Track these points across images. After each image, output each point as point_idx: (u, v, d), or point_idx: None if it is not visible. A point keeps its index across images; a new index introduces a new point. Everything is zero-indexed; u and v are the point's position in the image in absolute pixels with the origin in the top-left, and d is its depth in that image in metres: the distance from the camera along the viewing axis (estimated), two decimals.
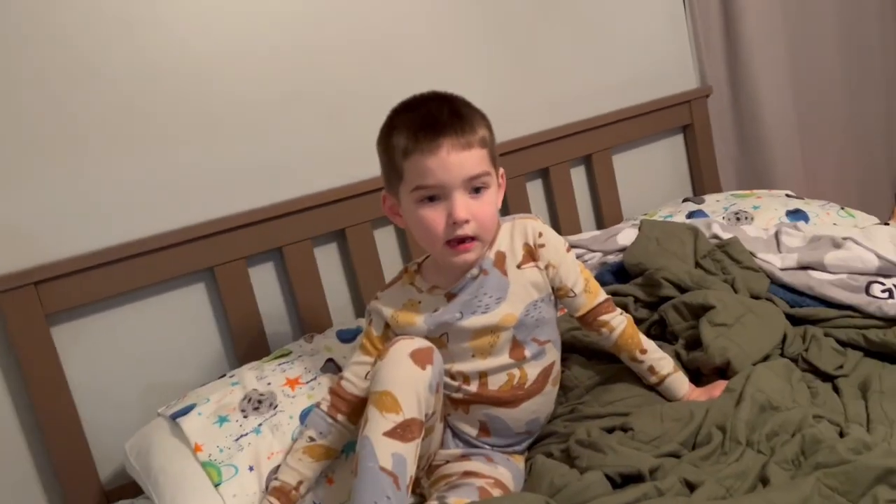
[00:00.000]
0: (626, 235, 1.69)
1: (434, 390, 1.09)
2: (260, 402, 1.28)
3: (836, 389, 1.24)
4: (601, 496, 0.98)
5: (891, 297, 1.32)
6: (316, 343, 1.48)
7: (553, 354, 1.27)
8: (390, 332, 1.24)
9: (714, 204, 1.94)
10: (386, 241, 1.79)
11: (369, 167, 1.71)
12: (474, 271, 1.22)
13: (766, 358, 1.27)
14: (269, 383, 1.33)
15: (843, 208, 1.85)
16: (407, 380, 1.05)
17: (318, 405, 1.23)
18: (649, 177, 2.25)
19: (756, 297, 1.41)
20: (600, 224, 2.11)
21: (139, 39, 1.50)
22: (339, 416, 1.20)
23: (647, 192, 2.23)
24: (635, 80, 2.18)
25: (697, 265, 1.50)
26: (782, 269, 1.45)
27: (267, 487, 1.18)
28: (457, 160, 1.13)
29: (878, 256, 1.39)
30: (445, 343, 1.21)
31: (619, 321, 1.27)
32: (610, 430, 1.16)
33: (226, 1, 1.58)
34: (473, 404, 1.23)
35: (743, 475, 1.00)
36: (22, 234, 1.41)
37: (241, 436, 1.23)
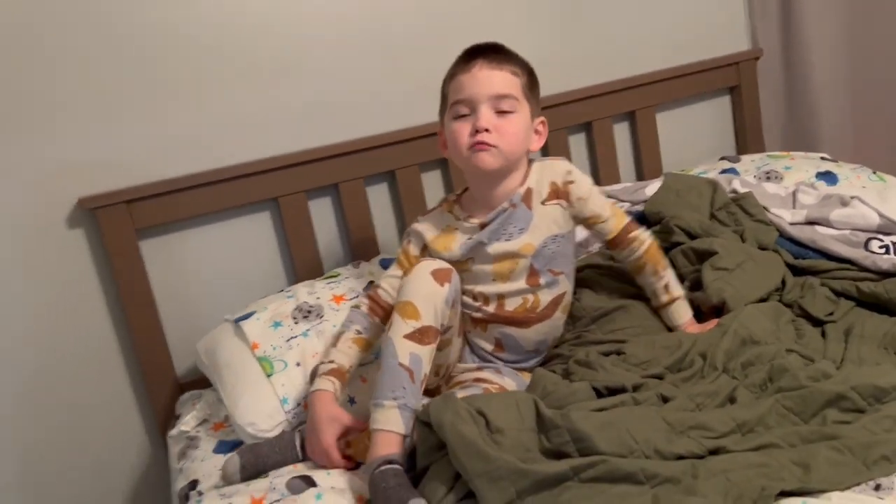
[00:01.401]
0: (654, 188, 1.81)
1: (450, 305, 1.26)
2: (309, 311, 1.49)
3: (824, 334, 1.35)
4: (584, 401, 1.15)
5: (887, 252, 1.41)
6: (362, 268, 1.68)
7: (565, 286, 1.42)
8: (427, 252, 1.41)
9: (749, 163, 2.02)
10: (432, 183, 1.96)
11: (420, 114, 1.90)
12: (505, 204, 1.37)
13: (760, 301, 1.39)
14: (318, 297, 1.54)
15: (874, 172, 1.90)
16: (427, 293, 1.23)
17: (357, 307, 1.40)
18: (694, 135, 2.33)
19: (763, 248, 1.52)
20: (640, 179, 2.21)
21: (220, 2, 1.70)
22: (376, 319, 1.36)
23: (691, 151, 2.31)
24: (686, 39, 2.24)
25: (713, 217, 1.61)
26: (791, 224, 1.55)
27: (313, 376, 1.37)
28: (485, 76, 1.30)
29: (880, 215, 1.47)
30: (471, 266, 1.38)
31: (646, 235, 1.43)
32: (607, 354, 1.32)
33: None
34: (490, 323, 1.40)
35: (714, 394, 1.15)
36: (118, 160, 1.65)
37: (292, 337, 1.45)
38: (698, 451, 1.04)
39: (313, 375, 1.37)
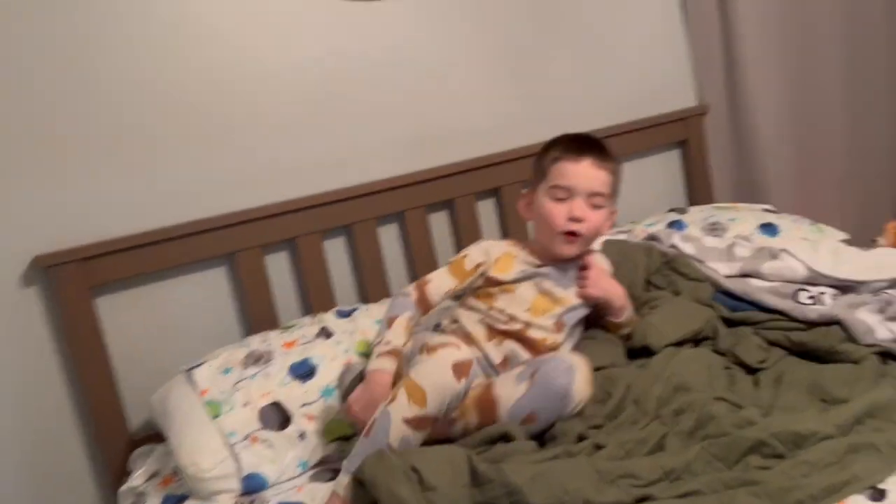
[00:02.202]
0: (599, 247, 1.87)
1: (461, 398, 1.27)
2: (259, 357, 1.54)
3: (757, 381, 1.40)
4: (521, 452, 1.18)
5: (815, 303, 1.47)
6: (317, 318, 1.71)
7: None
8: (478, 270, 1.55)
9: (696, 214, 2.09)
10: (389, 237, 2.00)
11: (375, 172, 1.96)
12: (573, 262, 1.56)
13: (683, 341, 1.48)
14: (269, 344, 1.58)
15: (813, 223, 1.98)
16: (441, 385, 1.22)
17: (405, 295, 1.53)
18: (647, 188, 2.41)
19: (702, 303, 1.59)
20: None
21: (183, 62, 1.76)
22: (419, 311, 1.52)
23: (644, 203, 2.38)
24: (635, 97, 2.35)
25: (648, 282, 1.70)
26: (727, 277, 1.61)
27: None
28: (592, 173, 1.49)
29: (807, 267, 1.54)
30: (515, 289, 1.50)
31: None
32: None
33: (258, 30, 1.83)
34: (509, 339, 1.47)
35: (643, 441, 1.18)
36: (74, 218, 1.68)
37: (239, 380, 1.48)
38: (626, 500, 1.07)
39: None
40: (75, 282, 1.64)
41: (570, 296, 1.52)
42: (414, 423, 1.20)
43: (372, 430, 1.21)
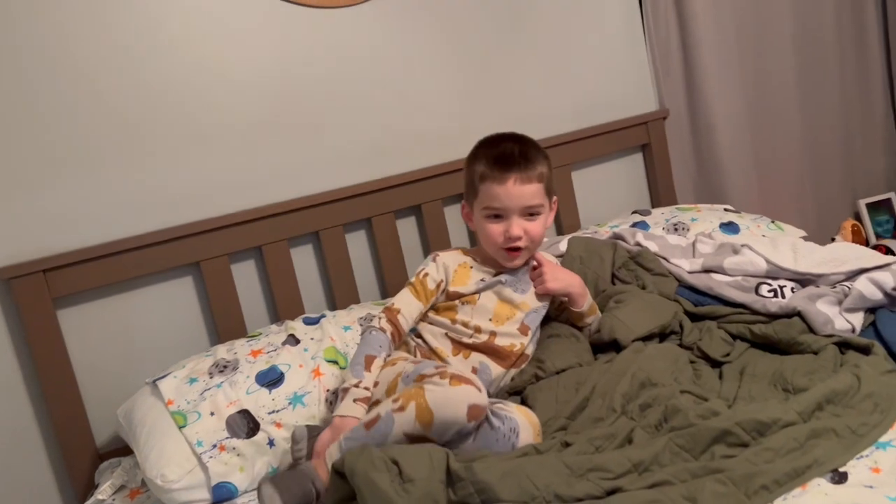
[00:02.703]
0: (567, 243, 1.89)
1: (464, 435, 1.24)
2: (225, 366, 1.52)
3: (721, 374, 1.43)
4: (490, 455, 1.18)
5: (776, 296, 1.51)
6: (284, 326, 1.70)
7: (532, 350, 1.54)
8: (440, 288, 1.53)
9: (659, 216, 2.13)
10: (357, 243, 2.00)
11: (342, 178, 1.96)
12: (528, 263, 1.58)
13: (651, 335, 1.50)
14: (235, 353, 1.56)
15: (773, 222, 2.03)
16: (451, 419, 1.20)
17: (380, 329, 1.45)
18: (612, 190, 2.44)
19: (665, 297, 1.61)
20: (559, 234, 2.31)
21: (145, 72, 1.75)
22: (395, 343, 1.47)
23: (610, 204, 2.42)
24: (598, 102, 2.38)
25: (614, 276, 1.72)
26: (690, 272, 1.65)
27: (333, 402, 1.46)
28: (518, 192, 1.47)
29: (767, 261, 1.58)
30: (476, 300, 1.51)
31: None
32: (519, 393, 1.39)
33: (221, 40, 1.83)
34: (476, 351, 1.48)
35: (612, 436, 1.20)
36: (35, 229, 1.65)
37: (206, 390, 1.46)
38: (596, 493, 1.08)
39: (339, 393, 1.40)
40: (37, 294, 1.61)
41: (528, 299, 1.54)
42: (412, 438, 1.20)
43: (374, 426, 1.21)
